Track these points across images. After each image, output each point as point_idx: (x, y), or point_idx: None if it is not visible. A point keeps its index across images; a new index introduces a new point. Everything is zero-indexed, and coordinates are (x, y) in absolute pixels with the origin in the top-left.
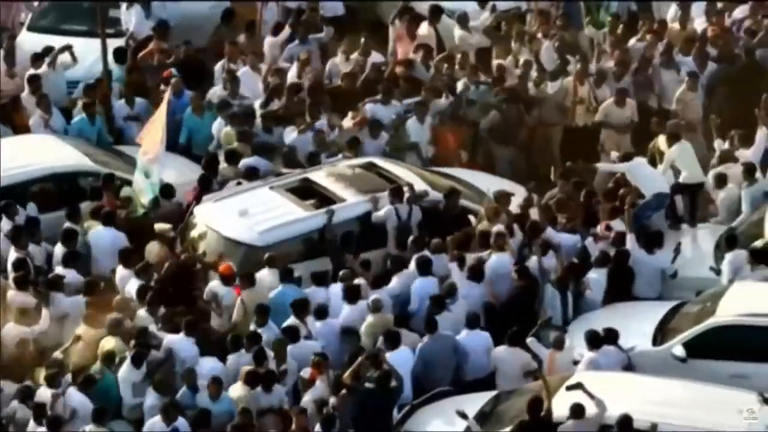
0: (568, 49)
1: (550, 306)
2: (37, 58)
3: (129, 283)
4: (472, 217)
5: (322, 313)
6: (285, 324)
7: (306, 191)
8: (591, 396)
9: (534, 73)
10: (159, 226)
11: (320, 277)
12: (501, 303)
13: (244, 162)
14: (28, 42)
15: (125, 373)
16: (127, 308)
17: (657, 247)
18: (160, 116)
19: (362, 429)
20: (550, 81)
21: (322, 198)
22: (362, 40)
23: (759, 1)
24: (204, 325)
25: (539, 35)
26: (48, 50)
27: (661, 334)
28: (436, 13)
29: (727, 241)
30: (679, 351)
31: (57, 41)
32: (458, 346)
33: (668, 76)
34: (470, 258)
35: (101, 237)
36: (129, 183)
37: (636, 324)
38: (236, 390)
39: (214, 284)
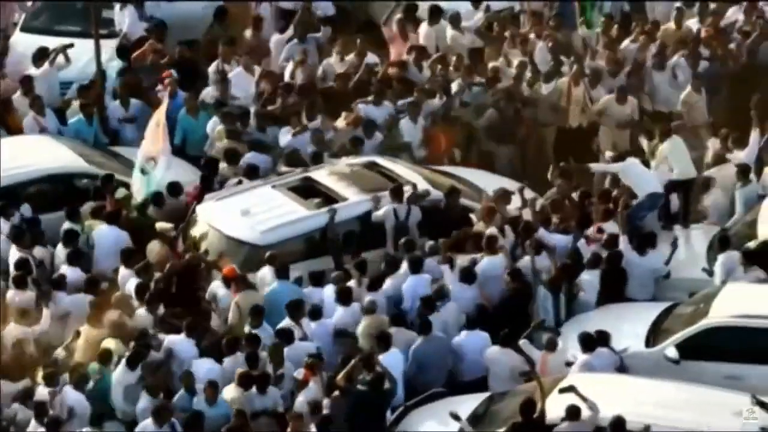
0: (562, 49)
1: (541, 307)
2: (39, 58)
3: (128, 282)
4: (473, 216)
5: (316, 313)
6: (279, 326)
7: (308, 190)
8: (584, 399)
9: (528, 74)
10: (160, 225)
11: (318, 277)
12: (493, 305)
13: (244, 159)
14: (21, 43)
15: (119, 375)
16: (125, 306)
17: (649, 249)
18: (160, 118)
19: (356, 431)
20: (545, 82)
21: (324, 197)
22: (358, 41)
23: (752, 0)
24: (204, 326)
25: (532, 35)
26: (45, 50)
27: (654, 336)
28: (436, 14)
29: (720, 242)
30: (672, 352)
31: (50, 42)
32: (452, 347)
33: (660, 77)
34: (463, 260)
35: (104, 236)
36: (125, 185)
37: (629, 325)
38: (230, 391)
39: (216, 285)
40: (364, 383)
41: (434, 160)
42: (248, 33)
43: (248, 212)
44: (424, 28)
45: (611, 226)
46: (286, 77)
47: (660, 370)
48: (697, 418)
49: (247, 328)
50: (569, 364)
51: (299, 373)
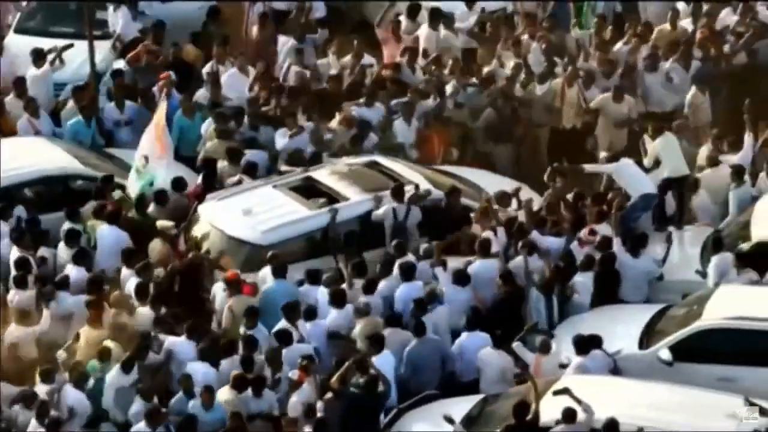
0: (555, 51)
1: (534, 309)
2: (39, 58)
3: (129, 282)
4: (473, 216)
5: (310, 314)
6: (277, 328)
7: (309, 190)
8: (578, 401)
9: (521, 75)
10: (161, 223)
11: (314, 275)
12: (486, 308)
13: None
14: (15, 44)
15: (113, 377)
16: (125, 305)
17: (643, 251)
18: (160, 117)
19: None
20: (539, 83)
21: (325, 197)
22: (355, 42)
23: (746, 1)
24: (204, 328)
25: (525, 36)
26: (41, 51)
27: (648, 338)
28: (436, 15)
29: (713, 244)
30: (666, 354)
31: (44, 43)
32: (453, 348)
33: (652, 79)
34: (457, 262)
35: (105, 236)
36: (120, 187)
37: (622, 327)
38: (224, 393)
39: (218, 286)
40: (358, 386)
41: (428, 161)
42: (254, 31)
43: (250, 212)
44: (424, 30)
45: (605, 228)
46: (282, 78)
47: (653, 372)
48: (691, 420)
49: (242, 329)
50: (563, 366)
51: (293, 375)
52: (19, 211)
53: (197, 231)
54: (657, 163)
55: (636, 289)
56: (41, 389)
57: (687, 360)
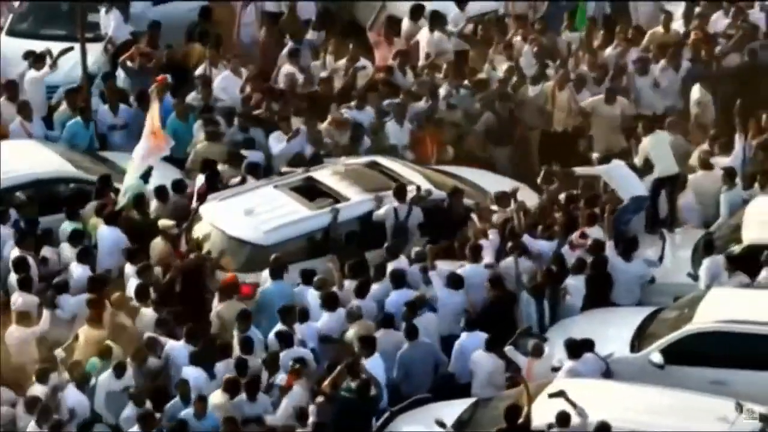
0: (547, 53)
1: (525, 313)
2: (36, 61)
3: (130, 282)
4: (475, 216)
5: (303, 315)
6: (276, 330)
7: (310, 190)
8: (573, 404)
9: (513, 78)
10: (163, 223)
11: (308, 275)
12: (477, 312)
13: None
14: (7, 47)
15: (104, 380)
16: (125, 306)
17: (634, 254)
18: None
19: None
20: (531, 85)
21: (327, 197)
22: (351, 45)
23: (737, 1)
24: (204, 331)
25: (517, 38)
26: (35, 53)
27: (639, 341)
28: (436, 18)
29: (705, 247)
30: (657, 357)
31: (36, 46)
32: (437, 353)
33: (642, 81)
34: (449, 266)
35: (105, 237)
36: (114, 190)
37: (614, 330)
38: (216, 397)
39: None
40: (350, 390)
41: (421, 162)
42: (262, 33)
43: (251, 212)
44: (425, 33)
45: (596, 231)
46: (274, 80)
47: (645, 375)
48: (682, 423)
49: (235, 333)
50: (555, 369)
51: (281, 380)
52: (13, 214)
53: (198, 231)
54: (648, 163)
55: (628, 292)
56: (38, 389)
57: (678, 363)
